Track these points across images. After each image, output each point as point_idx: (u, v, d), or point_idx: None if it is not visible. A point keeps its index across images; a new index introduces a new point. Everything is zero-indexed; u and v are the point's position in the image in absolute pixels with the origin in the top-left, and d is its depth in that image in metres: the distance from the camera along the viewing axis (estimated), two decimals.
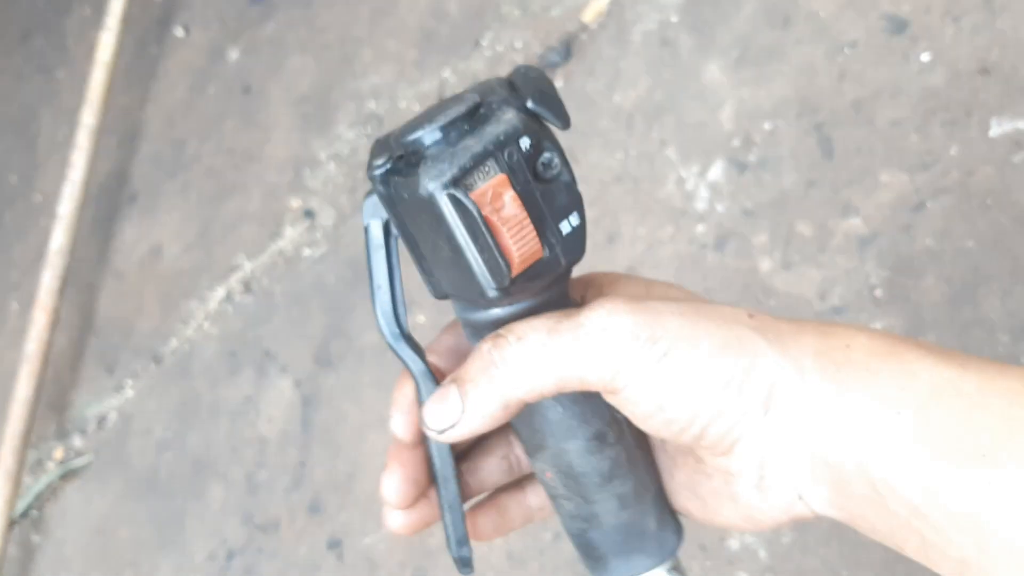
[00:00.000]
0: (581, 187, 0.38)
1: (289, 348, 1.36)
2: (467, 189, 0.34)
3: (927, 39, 0.97)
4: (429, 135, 0.35)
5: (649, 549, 0.41)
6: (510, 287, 0.35)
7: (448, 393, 0.37)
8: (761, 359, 0.35)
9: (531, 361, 0.35)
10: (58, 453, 1.59)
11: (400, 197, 0.36)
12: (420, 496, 0.41)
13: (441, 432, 0.37)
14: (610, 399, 0.36)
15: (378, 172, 0.36)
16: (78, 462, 1.56)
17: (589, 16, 1.28)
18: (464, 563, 0.42)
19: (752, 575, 0.87)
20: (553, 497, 0.41)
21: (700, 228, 1.04)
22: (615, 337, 0.35)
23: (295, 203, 1.50)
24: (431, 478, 0.41)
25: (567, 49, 1.29)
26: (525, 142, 0.35)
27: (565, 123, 0.37)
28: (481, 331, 0.38)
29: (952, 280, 0.87)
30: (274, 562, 1.21)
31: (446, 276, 0.37)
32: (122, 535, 1.42)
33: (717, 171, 1.06)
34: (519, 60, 1.33)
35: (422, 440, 0.40)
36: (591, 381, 0.35)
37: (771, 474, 0.36)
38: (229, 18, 1.78)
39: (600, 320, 0.35)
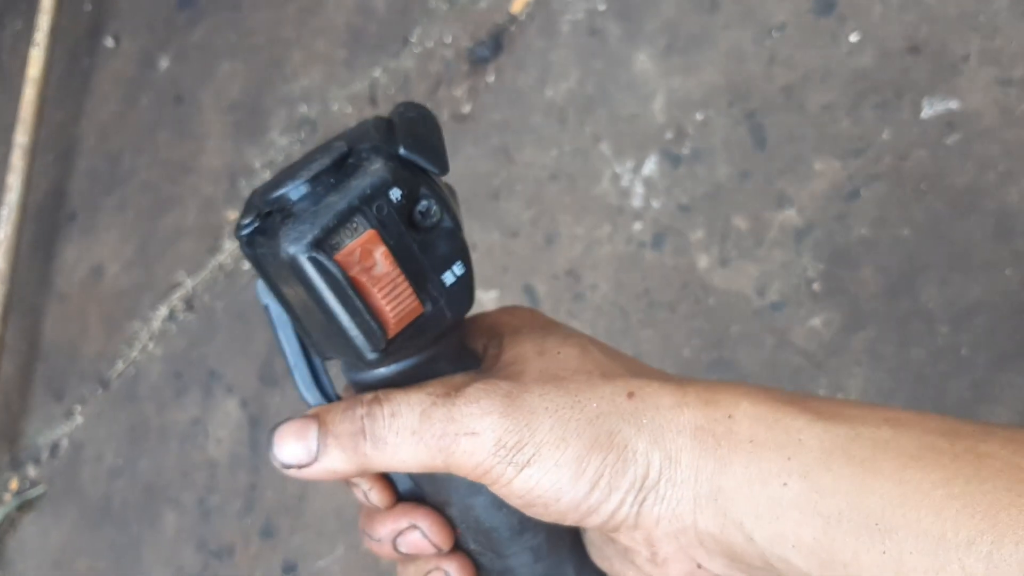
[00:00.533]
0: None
1: (234, 367, 1.32)
2: (332, 250, 0.32)
3: (855, 18, 0.94)
4: (295, 190, 0.33)
5: None
6: (389, 348, 0.34)
7: (308, 433, 0.36)
8: (631, 452, 0.34)
9: (399, 443, 0.34)
10: (13, 484, 1.56)
11: (266, 259, 0.34)
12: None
13: (286, 468, 0.36)
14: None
15: (244, 233, 0.34)
16: (33, 492, 1.52)
17: (517, 7, 1.24)
18: None
19: None
20: (467, 553, 0.40)
21: (637, 226, 1.01)
22: (482, 442, 0.34)
23: (232, 215, 1.46)
24: None
25: (497, 42, 1.25)
26: (396, 193, 0.33)
27: (443, 169, 0.35)
28: (370, 390, 0.36)
29: (889, 270, 0.84)
30: None
31: (323, 340, 0.35)
32: (80, 567, 1.39)
33: (651, 166, 1.03)
34: (449, 56, 1.29)
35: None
36: (459, 472, 0.35)
37: (662, 551, 0.35)
38: (158, 25, 1.72)
39: (471, 420, 0.34)
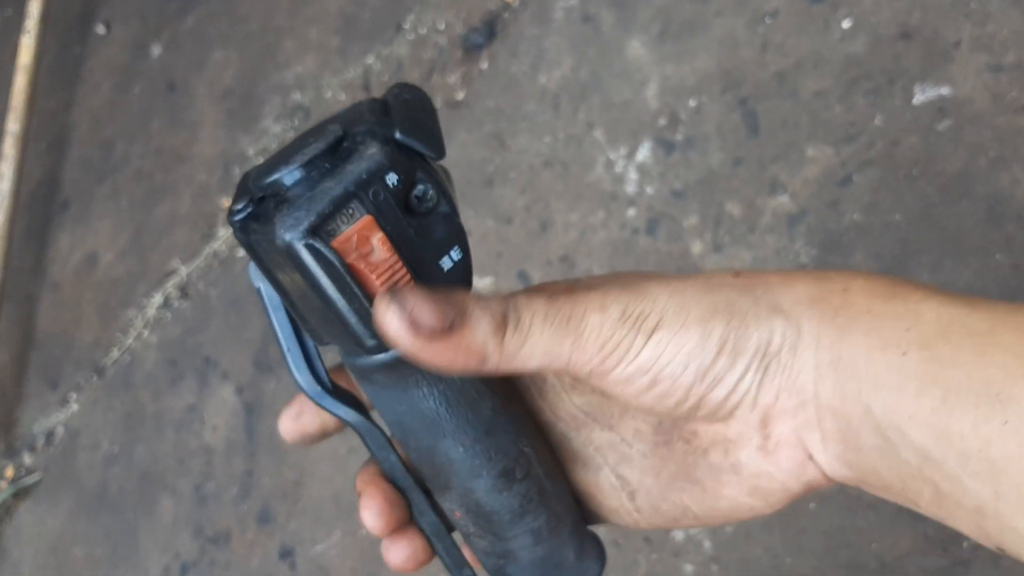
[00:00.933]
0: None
1: (229, 354, 1.33)
2: (329, 236, 0.31)
3: (847, 5, 0.94)
4: (289, 175, 0.32)
5: None
6: None
7: (451, 300, 0.33)
8: (752, 319, 0.33)
9: (532, 327, 0.33)
10: (9, 472, 1.56)
11: (260, 245, 0.33)
12: (404, 518, 0.39)
13: (416, 333, 0.32)
14: (597, 383, 0.34)
15: (237, 219, 0.33)
16: (29, 480, 1.53)
17: None
18: None
19: (698, 566, 0.86)
20: (465, 535, 0.40)
21: (631, 212, 1.02)
22: (609, 315, 0.33)
23: (226, 202, 1.46)
24: (408, 512, 0.39)
25: (490, 29, 1.25)
26: (392, 178, 0.32)
27: (439, 153, 0.34)
28: (368, 376, 0.36)
29: (881, 256, 0.85)
30: (228, 574, 1.19)
31: (321, 326, 0.35)
32: (77, 554, 1.39)
33: (645, 152, 1.03)
34: (443, 43, 1.29)
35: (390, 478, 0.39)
36: (581, 362, 0.33)
37: (776, 433, 0.34)
38: (150, 13, 1.72)
39: (596, 298, 0.33)
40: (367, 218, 0.32)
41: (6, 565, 1.47)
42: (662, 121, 1.03)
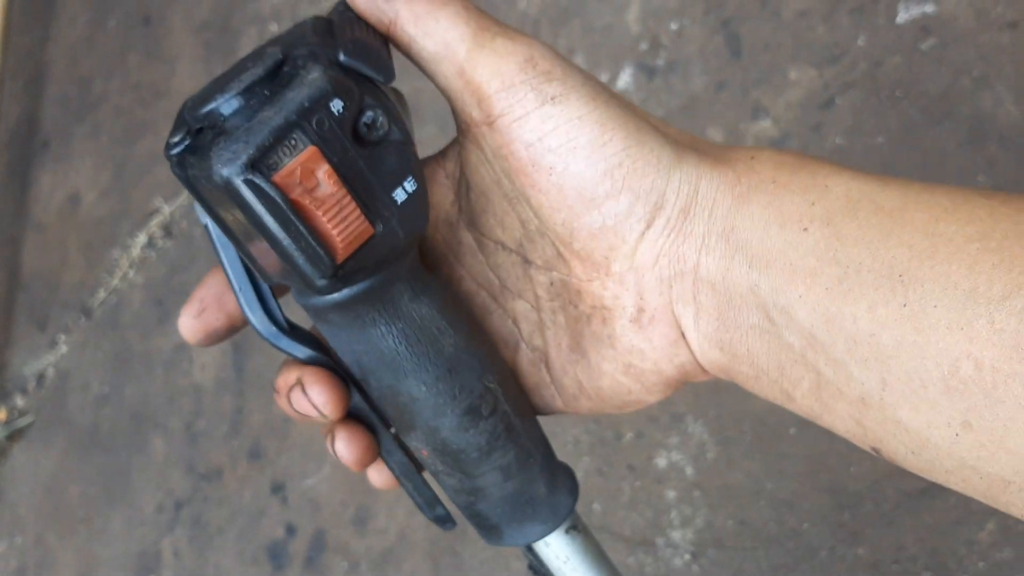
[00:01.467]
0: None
1: None
2: (270, 171, 0.29)
3: None
4: (226, 104, 0.30)
5: (542, 515, 0.39)
6: (339, 274, 0.31)
7: None
8: (653, 160, 0.31)
9: (436, 13, 0.32)
10: (2, 414, 1.57)
11: (199, 181, 0.30)
12: (376, 451, 0.38)
13: None
14: (482, 133, 0.32)
15: (173, 152, 0.31)
16: (22, 422, 1.53)
17: None
18: (442, 520, 0.40)
19: (680, 492, 0.87)
20: (434, 473, 0.39)
21: None
22: (516, 50, 0.31)
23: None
24: (375, 450, 0.38)
25: None
26: (337, 104, 0.30)
27: (388, 76, 0.32)
28: (323, 316, 0.35)
29: None
30: (221, 510, 1.21)
31: (268, 267, 0.33)
32: (72, 493, 1.41)
33: (627, 78, 1.02)
34: None
35: (351, 413, 0.37)
36: (470, 82, 0.31)
37: (650, 304, 0.32)
38: None
39: (514, 33, 0.31)
40: (311, 149, 0.30)
41: (3, 505, 1.49)
42: (643, 46, 1.01)
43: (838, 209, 0.29)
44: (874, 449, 0.30)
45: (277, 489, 1.16)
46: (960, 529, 0.73)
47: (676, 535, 0.86)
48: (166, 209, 1.44)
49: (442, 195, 0.37)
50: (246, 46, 1.43)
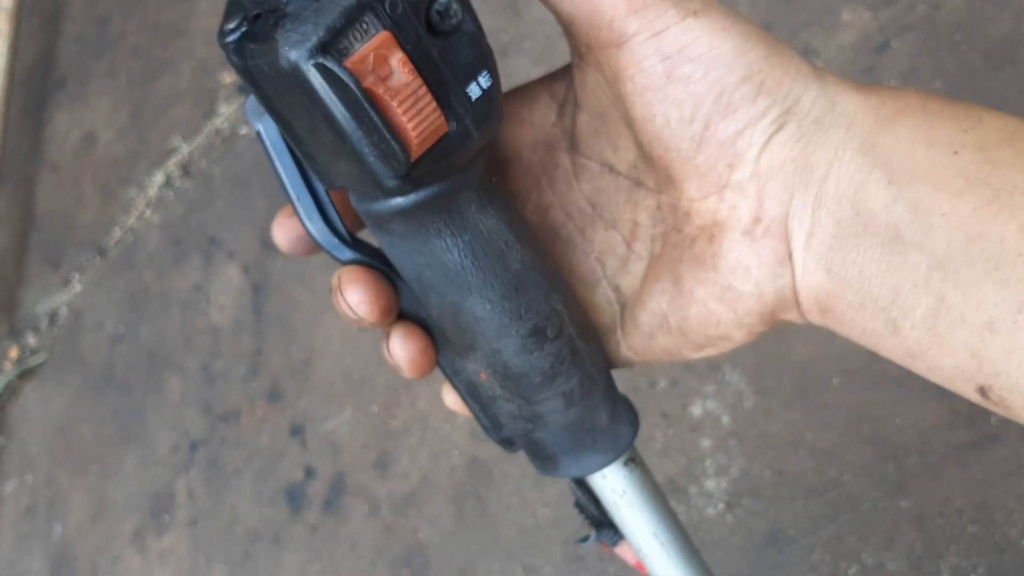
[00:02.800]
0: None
1: (234, 233, 1.30)
2: (341, 55, 0.27)
3: None
4: None
5: (602, 445, 0.37)
6: (411, 173, 0.29)
7: None
8: (792, 69, 0.30)
9: None
10: (13, 352, 1.56)
11: (260, 70, 0.28)
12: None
13: None
14: (607, 55, 0.31)
15: (230, 40, 0.28)
16: (33, 360, 1.52)
17: None
18: (508, 443, 0.39)
19: (716, 441, 0.85)
20: (491, 399, 0.37)
21: None
22: None
23: (227, 78, 1.41)
24: (432, 356, 0.37)
25: None
26: None
27: None
28: (385, 224, 0.32)
29: None
30: (238, 451, 1.19)
31: (333, 165, 0.30)
32: (84, 432, 1.40)
33: None
34: None
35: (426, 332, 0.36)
36: (596, 22, 0.30)
37: (768, 211, 0.31)
38: None
39: None
40: (384, 34, 0.27)
41: (14, 443, 1.48)
42: None
43: (993, 138, 0.28)
44: (981, 389, 0.28)
45: (296, 431, 1.15)
46: (1011, 482, 0.71)
47: (710, 484, 0.84)
48: (184, 148, 1.42)
49: (543, 115, 0.36)
50: None
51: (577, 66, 0.33)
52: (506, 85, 0.34)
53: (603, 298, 0.36)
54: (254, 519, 1.13)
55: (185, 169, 1.41)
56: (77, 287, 1.50)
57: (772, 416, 0.83)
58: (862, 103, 0.30)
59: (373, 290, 0.34)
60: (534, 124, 0.36)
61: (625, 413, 0.38)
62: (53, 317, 1.52)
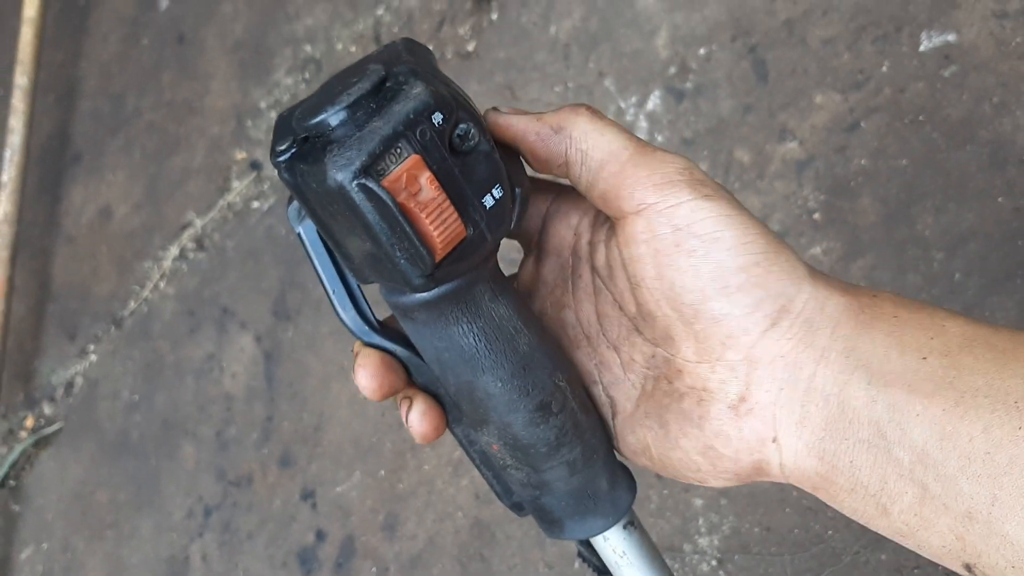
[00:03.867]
0: None
1: (246, 303, 1.36)
2: (379, 176, 0.32)
3: None
4: (335, 116, 0.33)
5: (603, 509, 0.41)
6: (435, 272, 0.34)
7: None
8: (788, 269, 0.34)
9: (604, 132, 0.37)
10: (29, 422, 1.60)
11: (308, 185, 0.33)
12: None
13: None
14: (626, 222, 0.36)
15: (282, 159, 0.33)
16: (49, 429, 1.56)
17: None
18: (519, 508, 0.43)
19: (708, 500, 0.89)
20: (502, 468, 0.41)
21: None
22: (674, 163, 0.35)
23: (240, 155, 1.47)
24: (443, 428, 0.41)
25: None
26: (438, 117, 0.33)
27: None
28: (410, 313, 0.37)
29: (887, 200, 0.87)
30: (251, 516, 1.23)
31: (367, 265, 0.35)
32: (100, 498, 1.43)
33: (655, 100, 1.05)
34: None
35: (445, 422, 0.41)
36: (630, 185, 0.35)
37: (754, 397, 0.34)
38: None
39: (669, 153, 0.36)
40: (415, 157, 0.33)
41: (30, 511, 1.52)
42: (672, 70, 1.05)
43: (955, 345, 0.31)
44: (967, 566, 0.31)
45: (307, 496, 1.19)
46: None
47: (703, 542, 0.88)
48: (198, 223, 1.48)
49: (585, 227, 0.41)
50: (280, 67, 1.47)
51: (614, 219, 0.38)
52: None
53: (598, 398, 0.41)
54: None
55: (199, 243, 1.47)
56: (93, 357, 1.55)
57: None
58: (846, 306, 0.34)
59: (380, 375, 0.39)
60: (577, 231, 0.41)
61: (623, 479, 0.42)
62: (69, 386, 1.56)
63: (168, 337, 1.44)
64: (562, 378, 0.39)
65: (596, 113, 0.37)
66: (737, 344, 0.34)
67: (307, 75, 1.44)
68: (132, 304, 1.52)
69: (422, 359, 0.39)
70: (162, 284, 1.49)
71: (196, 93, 1.58)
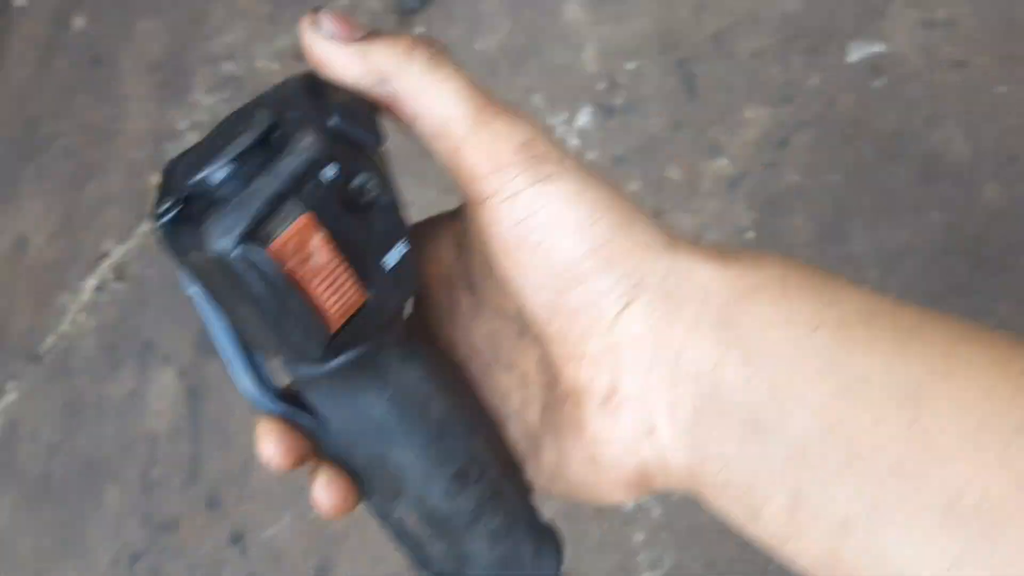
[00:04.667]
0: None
1: (169, 336, 1.30)
2: (264, 241, 0.28)
3: None
4: (218, 172, 0.29)
5: None
6: (331, 344, 0.31)
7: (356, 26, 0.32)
8: (645, 239, 0.30)
9: (437, 86, 0.31)
10: None
11: (189, 253, 0.30)
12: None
13: (314, 29, 0.32)
14: (477, 211, 0.31)
15: (161, 224, 0.30)
16: None
17: None
18: None
19: (648, 534, 0.86)
20: (421, 541, 0.38)
21: None
22: (514, 132, 0.30)
23: (158, 180, 1.42)
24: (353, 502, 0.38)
25: None
26: (331, 170, 0.30)
27: (379, 140, 0.32)
28: (312, 385, 0.34)
29: (820, 216, 0.85)
30: (179, 561, 1.18)
31: (260, 337, 0.32)
32: (23, 546, 1.37)
33: (585, 117, 1.02)
34: (376, 7, 1.26)
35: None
36: (466, 157, 0.31)
37: (623, 385, 0.30)
38: None
39: (514, 114, 0.31)
40: (304, 218, 0.29)
41: None
42: (601, 85, 1.02)
43: (852, 317, 0.27)
44: None
45: (236, 539, 1.14)
46: None
47: None
48: (117, 252, 1.42)
49: (446, 252, 0.36)
50: (199, 86, 1.42)
51: (464, 212, 0.34)
52: (435, 184, 0.35)
53: (515, 433, 0.37)
54: None
55: (118, 273, 1.41)
56: (12, 395, 1.47)
57: (701, 508, 0.84)
58: (718, 275, 0.29)
59: (284, 444, 0.35)
60: (439, 260, 0.37)
61: (549, 544, 0.39)
62: None
63: (89, 373, 1.38)
64: (480, 443, 0.36)
65: (434, 57, 0.32)
66: (594, 333, 0.30)
67: (228, 94, 1.39)
68: (51, 339, 1.45)
69: (328, 431, 0.36)
70: (81, 317, 1.43)
71: (113, 116, 1.52)
